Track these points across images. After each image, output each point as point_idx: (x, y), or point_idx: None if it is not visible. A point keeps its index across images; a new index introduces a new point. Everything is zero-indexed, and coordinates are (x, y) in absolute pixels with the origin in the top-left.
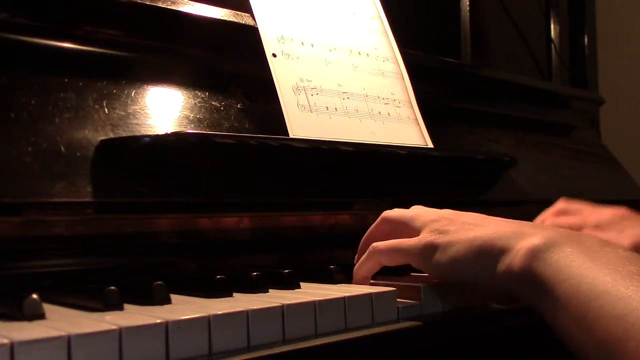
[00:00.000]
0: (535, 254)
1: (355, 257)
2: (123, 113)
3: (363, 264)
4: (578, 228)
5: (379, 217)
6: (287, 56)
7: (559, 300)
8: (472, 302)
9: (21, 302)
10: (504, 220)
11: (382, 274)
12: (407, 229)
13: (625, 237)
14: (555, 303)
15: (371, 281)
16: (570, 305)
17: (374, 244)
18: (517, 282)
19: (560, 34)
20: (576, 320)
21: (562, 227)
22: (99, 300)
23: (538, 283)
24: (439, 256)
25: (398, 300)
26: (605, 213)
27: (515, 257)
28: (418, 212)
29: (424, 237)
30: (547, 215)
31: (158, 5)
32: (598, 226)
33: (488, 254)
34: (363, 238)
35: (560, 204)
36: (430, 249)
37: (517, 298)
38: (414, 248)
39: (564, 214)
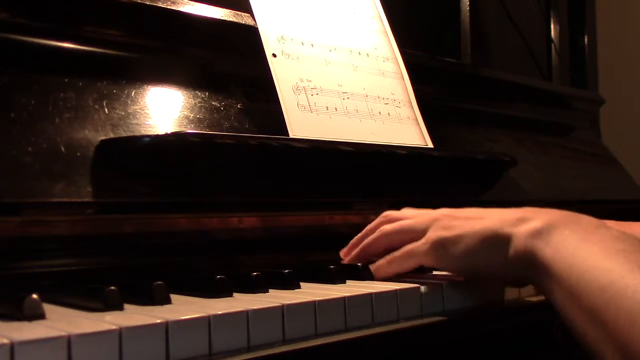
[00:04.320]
0: (536, 235)
1: (345, 250)
2: (123, 113)
3: (379, 269)
4: None
5: (377, 232)
6: (287, 56)
7: (555, 277)
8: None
9: (21, 302)
10: (504, 209)
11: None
12: (410, 235)
13: None
14: (553, 279)
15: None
16: (564, 280)
17: (392, 256)
18: (523, 263)
19: (560, 34)
20: (568, 294)
21: None
22: (99, 300)
23: (538, 262)
24: (452, 250)
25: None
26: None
27: (520, 240)
28: (415, 216)
29: (432, 235)
30: None
31: (158, 5)
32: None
33: (498, 242)
34: (359, 235)
35: None
36: (441, 245)
37: (527, 280)
38: (424, 247)
39: None
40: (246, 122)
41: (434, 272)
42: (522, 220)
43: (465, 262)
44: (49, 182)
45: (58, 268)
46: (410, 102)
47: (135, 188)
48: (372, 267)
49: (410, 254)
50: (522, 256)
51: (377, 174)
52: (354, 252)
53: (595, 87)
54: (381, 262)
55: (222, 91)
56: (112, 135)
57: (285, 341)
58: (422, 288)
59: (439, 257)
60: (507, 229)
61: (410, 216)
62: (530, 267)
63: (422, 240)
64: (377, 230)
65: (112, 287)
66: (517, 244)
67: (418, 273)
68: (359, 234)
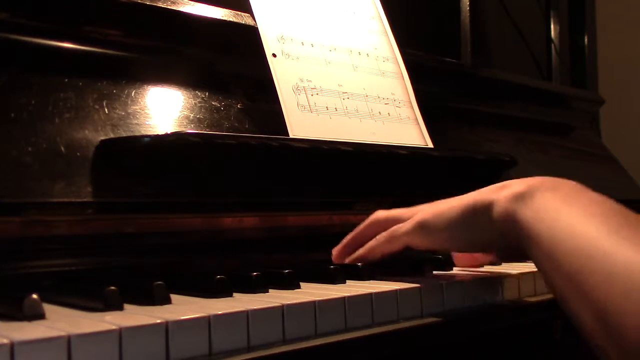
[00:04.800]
0: (517, 199)
1: (338, 250)
2: (123, 113)
3: (367, 255)
4: None
5: (368, 219)
6: (287, 56)
7: (535, 239)
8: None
9: (21, 302)
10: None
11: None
12: (399, 222)
13: None
14: (532, 242)
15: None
16: (543, 243)
17: (376, 237)
18: (505, 227)
19: (560, 34)
20: (548, 256)
21: None
22: (99, 300)
23: (519, 225)
24: (435, 225)
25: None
26: None
27: (501, 204)
28: (408, 208)
29: (417, 215)
30: None
31: (158, 5)
32: None
33: (480, 210)
34: (351, 236)
35: None
36: (425, 221)
37: (510, 247)
38: (409, 227)
39: None
40: (246, 122)
41: (434, 272)
42: (503, 187)
43: (449, 234)
44: (49, 182)
45: (58, 268)
46: (410, 102)
47: (135, 188)
48: (360, 250)
49: (395, 233)
50: (504, 220)
51: (377, 174)
52: (344, 241)
53: (595, 87)
54: (369, 243)
55: (222, 91)
56: (112, 135)
57: (285, 341)
58: (423, 288)
59: (423, 234)
60: (489, 196)
61: (399, 216)
62: (512, 231)
63: (408, 221)
64: (368, 218)
65: (112, 287)
66: (499, 208)
67: (418, 273)
68: (350, 234)
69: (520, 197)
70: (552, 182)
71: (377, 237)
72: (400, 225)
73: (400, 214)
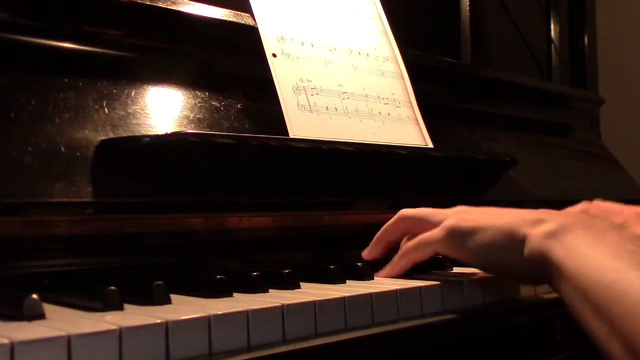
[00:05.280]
0: (550, 236)
1: (367, 249)
2: (123, 113)
3: (397, 265)
4: None
5: (396, 215)
6: (287, 56)
7: (566, 275)
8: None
9: (21, 302)
10: (521, 210)
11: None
12: (426, 224)
13: None
14: (564, 278)
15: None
16: (574, 279)
17: (405, 246)
18: (537, 263)
19: (560, 34)
20: (578, 292)
21: None
22: (99, 300)
23: (551, 262)
24: (468, 242)
25: None
26: (632, 212)
27: (535, 240)
28: (435, 209)
29: (449, 223)
30: None
31: (158, 5)
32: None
33: (514, 241)
34: (378, 233)
35: (584, 205)
36: (457, 234)
37: (541, 280)
38: (440, 236)
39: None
40: (246, 122)
41: (435, 272)
42: (538, 222)
43: (480, 256)
44: (49, 182)
45: (58, 268)
46: (410, 102)
47: (136, 188)
48: (387, 267)
49: (425, 242)
50: (536, 256)
51: (376, 173)
52: (374, 239)
53: (595, 87)
54: (395, 258)
55: (222, 91)
56: (112, 135)
57: (285, 341)
58: (423, 288)
59: (454, 245)
60: (524, 229)
61: (425, 215)
62: (543, 267)
63: (439, 228)
64: (397, 215)
65: (112, 287)
66: (532, 244)
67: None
68: (378, 233)
69: (554, 235)
70: (585, 219)
71: (406, 246)
72: (432, 232)
73: (429, 215)
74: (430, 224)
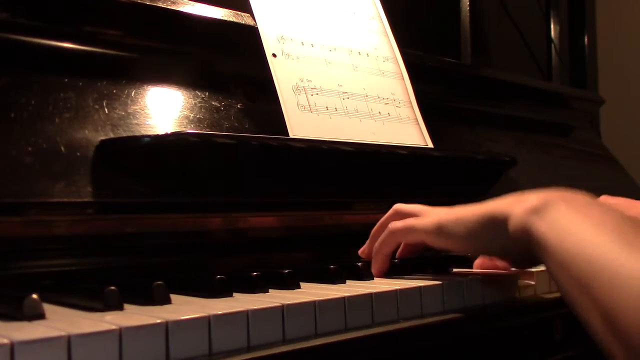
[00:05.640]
0: (533, 212)
1: (364, 246)
2: (123, 113)
3: (383, 243)
4: None
5: (391, 209)
6: (287, 56)
7: (549, 249)
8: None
9: (21, 302)
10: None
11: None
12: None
13: None
14: (547, 252)
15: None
16: (556, 253)
17: (392, 224)
18: (521, 240)
19: (560, 34)
20: (560, 265)
21: None
22: (99, 300)
23: (534, 237)
24: (453, 231)
25: None
26: None
27: (518, 217)
28: (430, 207)
29: (437, 216)
30: None
31: (158, 5)
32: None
33: (497, 222)
34: (374, 228)
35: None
36: (444, 224)
37: (526, 257)
38: (429, 225)
39: None
40: (246, 122)
41: (433, 272)
42: (520, 200)
43: (467, 240)
44: (49, 182)
45: (58, 268)
46: (410, 102)
47: (135, 188)
48: (375, 246)
49: (414, 227)
50: (519, 232)
51: (377, 173)
52: (370, 235)
53: (595, 87)
54: (382, 237)
55: (222, 91)
56: (112, 135)
57: (285, 341)
58: (423, 288)
59: (440, 235)
60: (508, 208)
61: (418, 211)
62: (526, 243)
63: (428, 219)
64: (386, 229)
65: (112, 287)
66: (515, 220)
67: (417, 272)
68: (373, 229)
69: (536, 211)
70: (566, 195)
71: (395, 225)
72: (421, 220)
73: (422, 211)
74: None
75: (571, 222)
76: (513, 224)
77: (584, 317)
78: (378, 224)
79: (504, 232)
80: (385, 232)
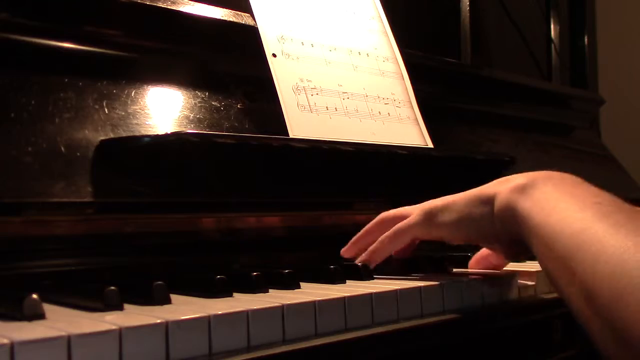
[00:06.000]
0: (518, 190)
1: (345, 247)
2: (123, 113)
3: (374, 253)
4: None
5: (377, 217)
6: (287, 56)
7: (534, 228)
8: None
9: (21, 302)
10: None
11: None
12: (405, 218)
13: None
14: (532, 230)
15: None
16: (541, 230)
17: (381, 237)
18: (506, 218)
19: (560, 34)
20: (544, 242)
21: None
22: (99, 300)
23: (519, 213)
24: (442, 217)
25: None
26: None
27: (503, 196)
28: (411, 206)
29: (422, 207)
30: None
31: (158, 5)
32: None
33: (484, 202)
34: (358, 234)
35: None
36: (431, 213)
37: (513, 238)
38: (416, 219)
39: None
40: (246, 122)
41: (433, 272)
42: (506, 181)
43: (454, 225)
44: (49, 182)
45: (58, 268)
46: (410, 102)
47: (135, 188)
48: (366, 254)
49: (403, 229)
50: (505, 210)
51: (377, 173)
52: (352, 239)
53: (595, 87)
54: (374, 245)
55: (222, 91)
56: (112, 135)
57: (285, 341)
58: (423, 288)
59: (430, 225)
60: (492, 189)
61: (403, 213)
62: (512, 221)
63: (413, 215)
64: (377, 217)
65: (112, 287)
66: (501, 200)
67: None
68: (358, 233)
69: (522, 189)
70: (553, 174)
71: (381, 237)
72: (407, 220)
73: (407, 211)
74: (408, 217)
75: (557, 200)
76: (499, 203)
77: (564, 293)
78: (363, 230)
79: (490, 213)
80: (376, 243)
